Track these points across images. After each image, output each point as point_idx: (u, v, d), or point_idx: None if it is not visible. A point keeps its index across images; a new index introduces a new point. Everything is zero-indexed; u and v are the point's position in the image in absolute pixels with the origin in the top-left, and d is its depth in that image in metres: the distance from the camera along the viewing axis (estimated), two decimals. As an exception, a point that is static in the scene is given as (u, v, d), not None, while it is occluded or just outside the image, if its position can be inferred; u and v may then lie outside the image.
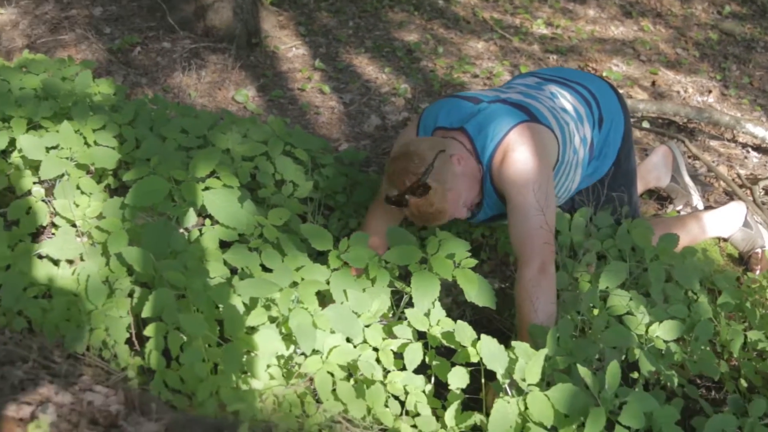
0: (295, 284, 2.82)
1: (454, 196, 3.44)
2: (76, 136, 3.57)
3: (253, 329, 2.69)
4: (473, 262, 3.02)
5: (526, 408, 2.53)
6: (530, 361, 2.59)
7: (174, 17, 5.89)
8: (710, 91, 6.37)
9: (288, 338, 2.76)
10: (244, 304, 2.80)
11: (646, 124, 5.65)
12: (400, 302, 3.23)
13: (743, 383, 3.38)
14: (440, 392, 3.00)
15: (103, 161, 3.56)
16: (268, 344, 2.61)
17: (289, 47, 6.17)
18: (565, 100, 3.81)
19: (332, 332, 2.78)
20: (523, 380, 2.57)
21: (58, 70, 4.19)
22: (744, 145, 5.65)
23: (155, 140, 3.71)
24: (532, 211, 3.32)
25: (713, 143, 5.63)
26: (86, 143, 3.63)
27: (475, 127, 3.53)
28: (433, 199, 3.35)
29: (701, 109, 5.62)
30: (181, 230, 3.35)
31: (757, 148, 5.61)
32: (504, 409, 2.54)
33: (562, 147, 3.58)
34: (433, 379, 3.01)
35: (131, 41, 5.76)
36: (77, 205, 3.35)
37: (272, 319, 2.76)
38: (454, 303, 3.93)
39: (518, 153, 3.38)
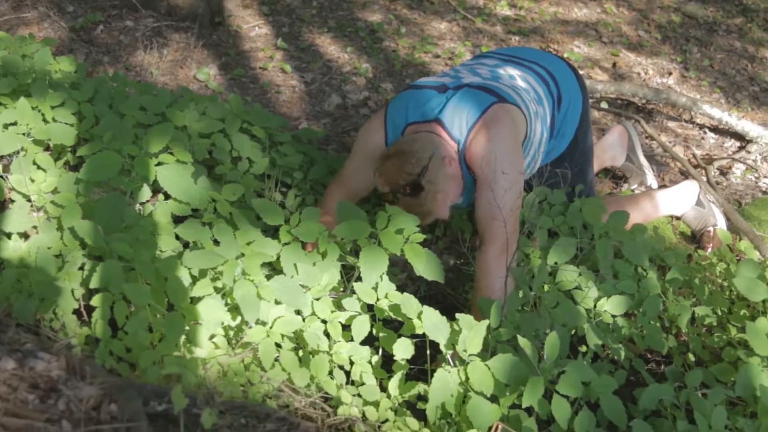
0: (242, 255, 2.85)
1: (443, 197, 3.50)
2: (34, 112, 3.58)
3: (199, 299, 2.73)
4: (421, 237, 3.06)
5: (467, 377, 2.58)
6: (472, 332, 2.64)
7: (137, -5, 5.90)
8: (670, 73, 6.42)
9: (235, 310, 2.79)
10: (193, 276, 2.83)
11: (604, 105, 5.70)
12: (351, 277, 3.28)
13: (691, 357, 3.44)
14: (388, 364, 3.04)
15: (61, 138, 3.57)
16: (211, 313, 2.64)
17: (252, 26, 6.18)
18: (523, 80, 3.85)
19: (277, 303, 2.81)
20: (465, 351, 2.61)
21: (18, 47, 4.19)
22: (701, 126, 5.71)
23: (113, 117, 3.72)
24: (500, 192, 3.37)
25: (671, 124, 5.69)
26: (44, 120, 3.64)
27: (449, 116, 3.57)
28: (424, 200, 3.41)
29: (659, 90, 5.68)
30: (137, 205, 3.38)
31: (714, 129, 5.67)
32: (445, 378, 2.58)
33: (529, 124, 3.63)
34: (380, 351, 3.05)
35: (94, 19, 5.76)
36: (33, 181, 3.37)
37: (218, 290, 2.79)
38: (409, 278, 3.97)
39: (491, 132, 3.44)
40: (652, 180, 4.80)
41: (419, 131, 3.62)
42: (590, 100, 5.52)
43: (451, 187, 3.55)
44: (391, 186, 3.43)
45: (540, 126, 3.79)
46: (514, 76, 3.87)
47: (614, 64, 6.42)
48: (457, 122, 3.54)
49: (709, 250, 4.31)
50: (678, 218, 4.57)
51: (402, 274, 3.97)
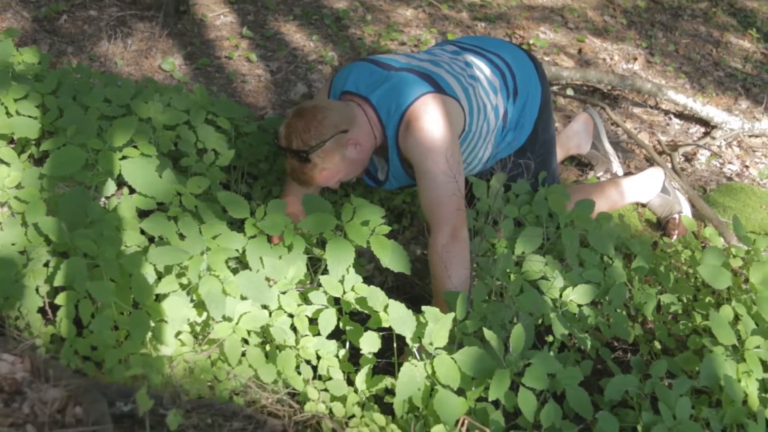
0: (208, 250, 2.84)
1: (328, 174, 3.52)
2: (-3, 105, 3.56)
3: (164, 296, 2.72)
4: (387, 229, 3.06)
5: (434, 371, 2.59)
6: (437, 325, 2.65)
7: (100, -15, 5.86)
8: (636, 59, 6.45)
9: (200, 306, 2.79)
10: (158, 271, 2.82)
11: (570, 92, 5.72)
12: (317, 269, 3.28)
13: (657, 345, 3.47)
14: (356, 358, 3.05)
15: (25, 131, 3.54)
16: (176, 311, 2.63)
17: (217, 15, 6.14)
18: (479, 70, 3.84)
19: (243, 298, 2.81)
20: (431, 344, 2.62)
21: (-21, 39, 4.16)
22: (666, 112, 5.75)
23: (77, 109, 3.69)
24: (440, 177, 3.37)
25: (636, 110, 5.72)
26: (7, 113, 3.61)
27: (379, 97, 3.57)
28: (306, 170, 3.43)
29: (624, 76, 5.70)
30: (102, 200, 3.36)
31: (680, 115, 5.71)
32: (411, 372, 2.59)
33: (468, 117, 3.62)
34: (348, 344, 3.05)
35: (57, 9, 5.71)
36: (-4, 175, 3.34)
37: (184, 287, 2.78)
38: (377, 269, 3.98)
39: (422, 122, 3.42)
40: (617, 167, 4.82)
41: (351, 101, 3.65)
42: (556, 87, 5.55)
43: (346, 168, 3.56)
44: (285, 143, 3.47)
45: (486, 118, 3.79)
46: (471, 63, 3.87)
47: (580, 50, 6.44)
48: (386, 106, 3.55)
49: (675, 237, 4.34)
50: (644, 205, 4.60)
51: (369, 265, 3.97)
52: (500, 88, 3.85)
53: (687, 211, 4.44)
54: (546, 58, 6.19)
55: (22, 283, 2.82)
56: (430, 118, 3.43)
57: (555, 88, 5.71)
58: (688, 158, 5.26)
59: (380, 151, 3.69)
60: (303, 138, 3.41)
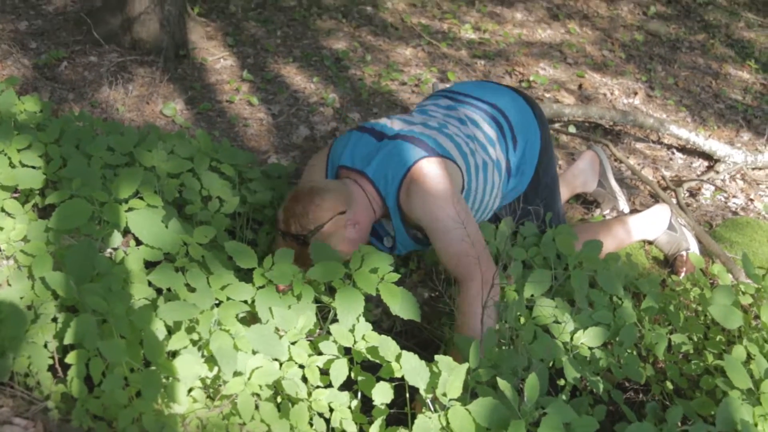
0: (218, 304, 2.82)
1: None
2: (1, 156, 3.54)
3: (175, 353, 2.69)
4: (396, 276, 3.04)
5: (448, 423, 2.56)
6: (452, 376, 2.62)
7: (100, 31, 5.86)
8: (636, 93, 6.46)
9: (211, 360, 2.76)
10: (168, 326, 2.80)
11: (572, 129, 5.71)
12: (327, 317, 3.26)
13: (669, 386, 3.44)
14: (367, 408, 3.02)
15: (29, 182, 3.54)
16: (188, 369, 2.60)
17: (217, 58, 6.16)
18: (475, 125, 3.85)
19: (254, 353, 2.79)
20: (444, 395, 2.60)
21: (-19, 89, 4.16)
22: (669, 147, 5.75)
23: (80, 159, 3.69)
24: (454, 232, 3.36)
25: (639, 145, 5.72)
26: (11, 164, 3.60)
27: (375, 169, 3.57)
28: (307, 253, 3.35)
29: (626, 112, 5.71)
30: (108, 251, 3.34)
31: (682, 149, 5.71)
32: (425, 424, 2.56)
33: (466, 175, 3.62)
34: (359, 394, 3.02)
35: (57, 56, 5.72)
36: (2, 228, 3.32)
37: (194, 342, 2.76)
38: (385, 314, 3.95)
39: (422, 184, 3.43)
40: (624, 205, 4.81)
41: (347, 177, 3.65)
42: (558, 124, 5.55)
43: (345, 248, 3.50)
44: (284, 227, 3.48)
45: (487, 174, 3.78)
46: (466, 120, 3.86)
47: (580, 86, 6.44)
48: (383, 177, 3.55)
49: (683, 274, 4.32)
50: (650, 243, 4.58)
51: (377, 309, 3.95)
52: (498, 140, 3.85)
53: (694, 247, 4.42)
54: (547, 95, 6.20)
55: (31, 341, 2.80)
56: (430, 179, 3.43)
57: (557, 125, 5.71)
58: (693, 193, 5.25)
59: (386, 218, 3.71)
60: (301, 222, 3.42)
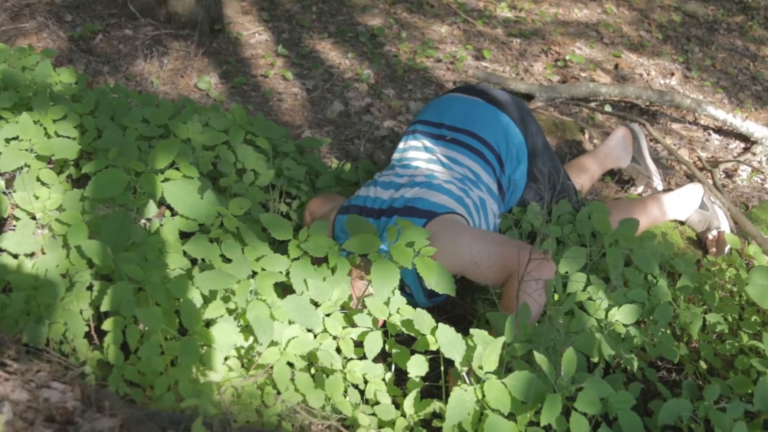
0: (253, 275, 2.82)
1: None
2: (36, 127, 3.55)
3: (211, 321, 2.70)
4: (432, 250, 3.02)
5: (484, 395, 2.55)
6: (487, 349, 2.61)
7: (136, 4, 5.85)
8: (673, 74, 6.40)
9: (247, 330, 2.76)
10: (204, 295, 2.80)
11: (608, 108, 5.68)
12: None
13: (703, 365, 3.42)
14: (401, 380, 3.02)
15: (64, 152, 3.55)
16: (225, 337, 2.60)
17: (252, 33, 6.15)
18: (458, 165, 3.86)
19: (290, 323, 2.79)
20: (480, 368, 2.59)
21: (18, 59, 4.17)
22: (705, 128, 5.70)
23: (116, 130, 3.70)
24: (468, 253, 3.29)
25: (675, 126, 5.67)
26: (46, 134, 3.61)
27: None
28: None
29: (663, 92, 5.66)
30: (142, 221, 3.35)
31: (718, 131, 5.66)
32: (461, 396, 2.55)
33: (469, 218, 3.58)
34: (393, 367, 3.02)
35: (93, 29, 5.72)
36: (37, 198, 3.34)
37: (231, 311, 2.76)
38: (417, 289, 3.95)
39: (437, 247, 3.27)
40: (658, 182, 4.78)
41: None
42: (594, 103, 5.51)
43: None
44: None
45: (486, 209, 3.77)
46: (448, 164, 3.86)
47: (616, 66, 6.40)
48: None
49: (713, 253, 4.29)
50: (682, 223, 4.55)
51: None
52: (483, 169, 3.87)
53: (725, 226, 4.39)
54: (582, 74, 6.16)
55: (67, 308, 2.81)
56: (435, 243, 3.29)
57: (593, 104, 5.68)
58: (729, 174, 5.21)
59: None
60: None
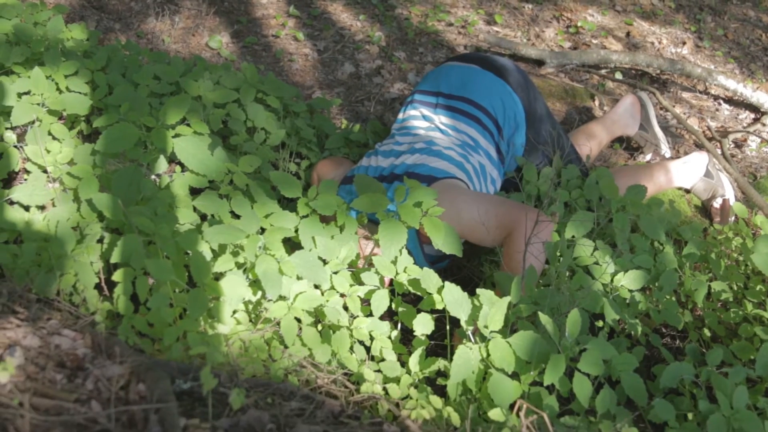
0: (262, 231, 2.84)
1: None
2: (48, 82, 3.57)
3: (220, 275, 2.72)
4: (440, 210, 3.04)
5: (488, 354, 2.57)
6: (493, 309, 2.63)
7: (148, -38, 5.86)
8: (684, 43, 6.38)
9: (255, 284, 2.78)
10: (213, 250, 2.82)
11: (618, 75, 5.67)
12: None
13: (707, 333, 3.44)
14: (407, 338, 3.04)
15: (75, 107, 3.57)
16: (233, 290, 2.63)
17: (264, -7, 6.15)
18: (456, 131, 3.87)
19: (299, 278, 2.81)
20: (486, 327, 2.61)
21: (30, 15, 4.18)
22: (716, 98, 5.69)
23: (127, 86, 3.71)
24: (482, 213, 3.32)
25: (685, 95, 5.67)
26: (58, 89, 3.63)
27: None
28: None
29: (674, 60, 5.65)
30: (153, 177, 3.37)
31: (729, 101, 5.65)
32: (466, 354, 2.57)
33: (469, 183, 3.59)
34: (399, 325, 3.04)
35: (105, -15, 5.73)
36: (48, 151, 3.36)
37: (239, 265, 2.78)
38: (423, 251, 3.97)
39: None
40: (666, 149, 4.79)
41: None
42: (605, 71, 5.51)
43: None
44: None
45: (485, 173, 3.78)
46: (446, 130, 3.87)
47: (628, 33, 6.38)
48: None
49: (717, 221, 4.31)
50: (688, 191, 4.56)
51: (416, 247, 3.97)
52: (484, 137, 3.88)
53: (730, 194, 4.39)
54: (594, 41, 6.14)
55: (78, 259, 2.83)
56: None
57: (603, 71, 5.68)
58: (738, 145, 5.21)
59: None
60: None
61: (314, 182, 3.94)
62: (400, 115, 4.15)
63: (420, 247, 3.57)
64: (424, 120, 3.98)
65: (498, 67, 4.14)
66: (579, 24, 6.31)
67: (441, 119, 3.94)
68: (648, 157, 4.82)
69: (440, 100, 4.03)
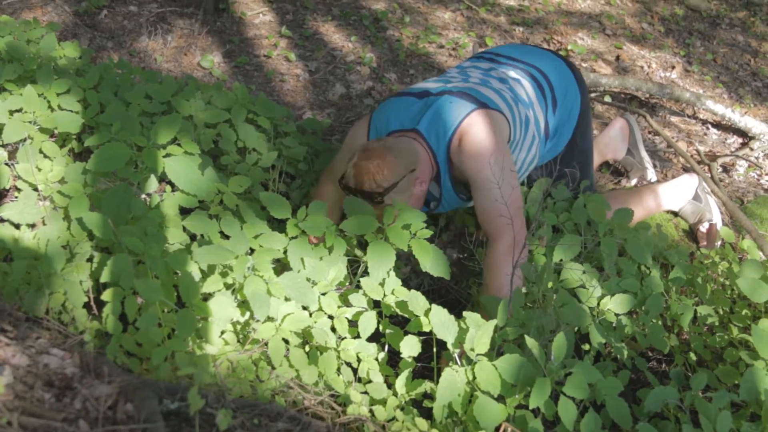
0: (251, 251, 2.85)
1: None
2: (40, 99, 3.58)
3: (209, 295, 2.73)
4: (428, 233, 3.06)
5: (474, 377, 2.59)
6: (479, 332, 2.65)
7: (141, -19, 5.88)
8: (674, 67, 6.43)
9: (244, 305, 2.80)
10: (202, 270, 2.83)
11: (608, 99, 5.71)
12: (357, 271, 3.28)
13: (692, 357, 3.45)
14: (394, 360, 3.05)
15: (67, 126, 3.58)
16: (222, 311, 2.64)
17: (256, 13, 6.17)
18: (517, 83, 3.84)
19: (287, 299, 2.82)
20: (472, 350, 2.62)
21: (23, 32, 4.20)
22: (704, 122, 5.73)
23: (119, 105, 3.73)
24: (496, 189, 3.34)
25: (674, 119, 5.70)
26: (50, 107, 3.64)
27: (426, 125, 3.54)
28: (377, 208, 3.33)
29: (663, 85, 5.69)
30: (143, 196, 3.38)
31: (717, 125, 5.69)
32: (452, 377, 2.59)
33: (513, 127, 3.61)
34: (386, 347, 3.06)
35: (98, 4, 5.74)
36: (39, 169, 3.37)
37: (228, 286, 2.79)
38: (413, 272, 3.98)
39: (472, 136, 3.40)
40: (652, 175, 4.82)
41: (403, 137, 3.58)
42: (594, 94, 5.54)
43: (410, 203, 3.50)
44: (357, 184, 3.37)
45: (528, 131, 3.77)
46: (507, 79, 3.85)
47: (618, 57, 6.42)
48: (435, 132, 3.52)
49: (704, 245, 4.33)
50: (675, 214, 4.58)
51: (406, 268, 3.98)
52: (538, 100, 3.83)
53: (718, 219, 4.42)
54: (584, 65, 6.18)
55: (67, 278, 2.84)
56: (480, 132, 3.41)
57: (593, 95, 5.71)
58: (727, 169, 5.24)
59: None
60: (377, 180, 3.33)
61: (317, 197, 3.91)
62: (461, 63, 4.20)
63: (451, 183, 3.64)
64: (486, 69, 3.96)
65: (571, 62, 4.19)
66: (569, 47, 6.36)
67: (504, 71, 3.93)
68: (634, 181, 4.84)
69: (509, 61, 4.04)
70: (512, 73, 3.89)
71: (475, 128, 3.43)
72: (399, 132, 3.62)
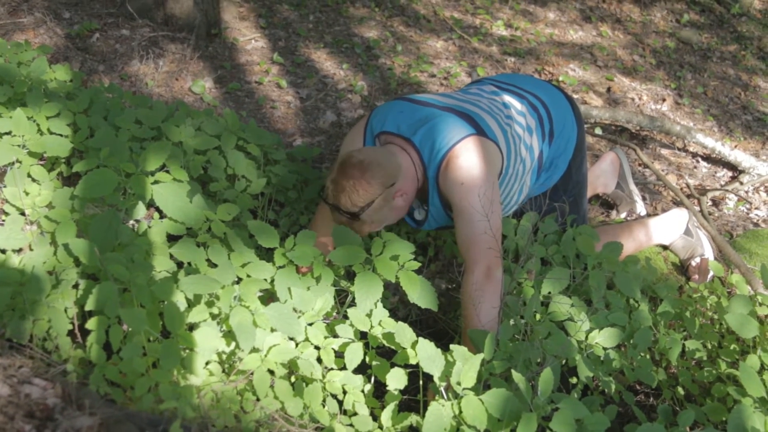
0: (238, 281, 2.84)
1: (376, 226, 3.51)
2: (30, 123, 3.57)
3: (194, 325, 2.72)
4: (416, 264, 3.05)
5: (461, 411, 2.57)
6: (466, 365, 2.63)
7: (133, 4, 5.87)
8: (664, 100, 6.44)
9: (229, 335, 2.78)
10: (188, 299, 2.82)
11: (598, 131, 5.71)
12: (344, 301, 3.27)
13: (680, 391, 3.44)
14: (380, 393, 3.04)
15: (56, 150, 3.56)
16: (207, 341, 2.62)
17: (249, 39, 6.17)
18: (516, 111, 3.83)
19: (273, 330, 2.81)
20: (459, 384, 2.61)
21: (14, 54, 4.19)
22: (694, 155, 5.73)
23: (109, 130, 3.71)
24: (476, 216, 3.34)
25: (664, 152, 5.71)
26: (39, 131, 3.63)
27: (422, 138, 3.53)
28: (355, 226, 3.39)
29: (653, 117, 5.69)
30: (131, 222, 3.36)
31: (707, 158, 5.69)
32: (438, 411, 2.57)
33: (506, 160, 3.61)
34: (372, 379, 3.04)
35: (90, 27, 5.73)
36: (27, 194, 3.35)
37: (214, 316, 2.78)
38: (401, 302, 3.97)
39: (462, 160, 3.40)
40: (641, 208, 4.82)
41: (391, 143, 3.62)
42: (585, 126, 5.54)
43: (392, 216, 3.54)
44: (333, 201, 3.40)
45: (522, 161, 3.77)
46: (509, 105, 3.84)
47: (609, 89, 6.43)
48: (429, 147, 3.51)
49: (695, 280, 4.32)
50: (665, 248, 4.58)
51: (394, 298, 3.97)
52: (536, 129, 3.83)
53: (709, 253, 4.42)
54: (575, 96, 6.19)
55: (52, 305, 2.82)
56: (470, 159, 3.41)
57: (585, 130, 5.71)
58: (716, 203, 5.25)
59: (419, 193, 3.67)
60: (352, 199, 3.35)
61: (319, 210, 3.90)
62: (466, 86, 4.20)
63: (439, 199, 3.62)
64: (490, 93, 3.95)
65: (570, 97, 4.18)
66: (560, 78, 6.37)
67: (507, 98, 3.92)
68: (623, 214, 4.84)
69: (511, 88, 4.03)
70: (513, 100, 3.88)
71: (464, 155, 3.42)
72: (391, 135, 3.63)
